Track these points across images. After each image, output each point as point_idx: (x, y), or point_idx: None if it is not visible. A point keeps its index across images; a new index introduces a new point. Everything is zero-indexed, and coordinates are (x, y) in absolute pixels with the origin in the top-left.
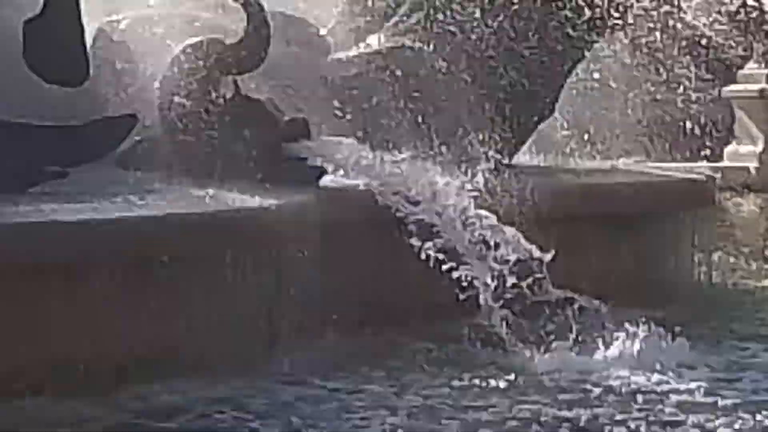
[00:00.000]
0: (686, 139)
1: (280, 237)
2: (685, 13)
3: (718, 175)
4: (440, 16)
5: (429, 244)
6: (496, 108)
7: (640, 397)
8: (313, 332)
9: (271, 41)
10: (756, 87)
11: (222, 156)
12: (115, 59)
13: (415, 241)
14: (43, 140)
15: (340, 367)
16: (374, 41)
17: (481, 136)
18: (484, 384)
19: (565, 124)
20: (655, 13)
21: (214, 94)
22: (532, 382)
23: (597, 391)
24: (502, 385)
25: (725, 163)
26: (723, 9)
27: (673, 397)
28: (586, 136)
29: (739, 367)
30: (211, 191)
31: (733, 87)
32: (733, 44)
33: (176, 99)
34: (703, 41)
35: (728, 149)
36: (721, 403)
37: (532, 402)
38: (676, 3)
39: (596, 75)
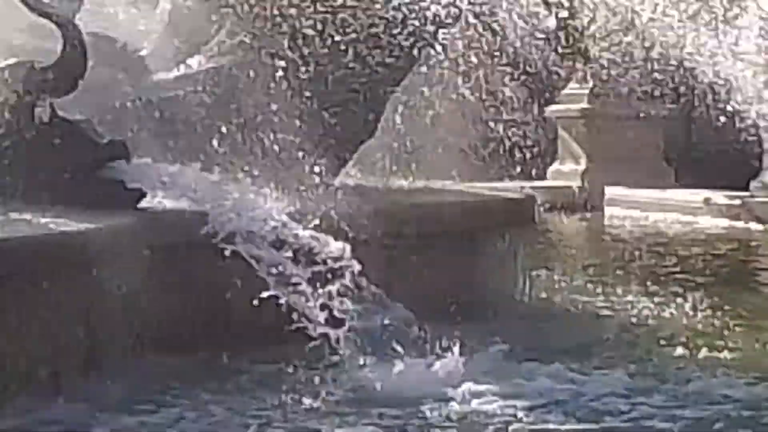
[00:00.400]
0: (510, 159)
1: (98, 260)
2: (506, 37)
3: (539, 194)
4: (260, 41)
5: (253, 265)
6: (318, 127)
7: (457, 413)
8: (138, 356)
9: (89, 63)
10: (577, 107)
11: (40, 179)
12: None
13: (237, 263)
14: None
15: (168, 391)
16: (194, 63)
17: (303, 156)
18: (315, 404)
19: (393, 145)
20: (477, 37)
21: (29, 117)
22: (357, 399)
23: (415, 406)
24: (330, 404)
25: (549, 182)
26: (542, 32)
27: (484, 412)
28: (412, 157)
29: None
30: (28, 216)
31: (555, 107)
32: (554, 66)
33: None
34: (525, 64)
35: (552, 168)
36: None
37: (355, 420)
38: (498, 28)
39: (422, 97)
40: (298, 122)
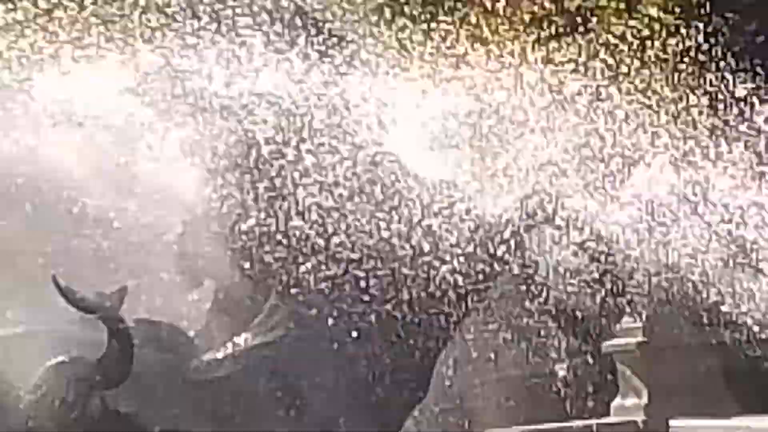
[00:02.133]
0: (570, 399)
1: None
2: (550, 286)
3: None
4: (305, 312)
5: None
6: (368, 396)
7: None
8: None
9: (137, 350)
10: (634, 340)
11: None
12: None
13: None
14: None
15: None
16: (241, 340)
17: (356, 426)
18: None
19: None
20: (520, 287)
21: (82, 412)
22: None
23: None
24: None
25: (613, 418)
26: (586, 278)
27: None
28: (462, 411)
29: None
30: None
31: (612, 342)
32: (597, 308)
33: (47, 420)
34: (568, 309)
35: (614, 404)
36: None
37: None
38: (543, 276)
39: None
40: (347, 390)
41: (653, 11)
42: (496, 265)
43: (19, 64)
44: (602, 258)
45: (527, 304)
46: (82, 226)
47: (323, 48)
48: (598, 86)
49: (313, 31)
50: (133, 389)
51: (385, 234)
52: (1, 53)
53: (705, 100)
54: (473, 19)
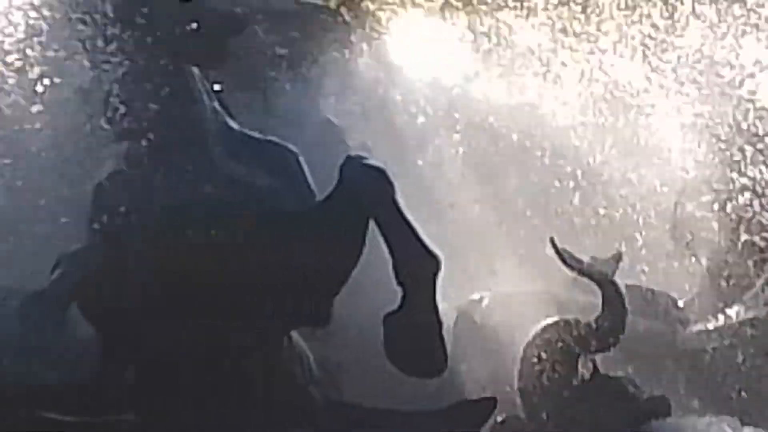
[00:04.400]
0: None
1: None
2: None
3: None
4: None
5: None
6: None
7: None
8: None
9: (628, 316)
10: None
11: None
12: (475, 340)
13: None
14: (403, 426)
15: None
16: (733, 313)
17: None
18: None
19: None
20: None
21: (573, 374)
22: None
23: None
24: None
25: None
26: None
27: None
28: None
29: None
30: None
31: None
32: None
33: (535, 379)
34: None
35: None
36: None
37: None
38: None
39: None
40: None
41: None
42: None
43: None
44: None
45: None
46: (580, 187)
47: None
48: None
49: None
50: (621, 354)
51: None
52: None
53: None
54: None
